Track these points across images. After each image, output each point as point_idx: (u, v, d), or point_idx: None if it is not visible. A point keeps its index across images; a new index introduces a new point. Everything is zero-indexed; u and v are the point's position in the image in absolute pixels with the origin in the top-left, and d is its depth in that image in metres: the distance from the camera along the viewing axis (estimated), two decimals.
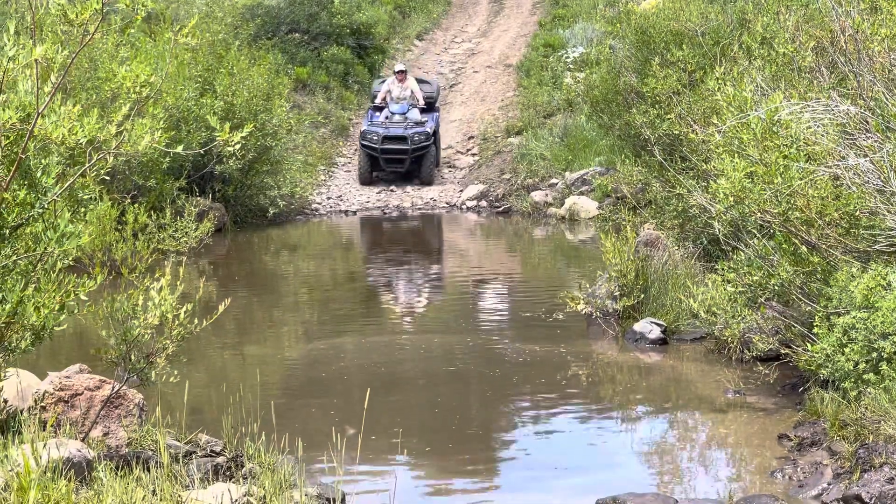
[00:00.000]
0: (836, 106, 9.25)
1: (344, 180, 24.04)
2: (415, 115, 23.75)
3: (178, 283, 7.09)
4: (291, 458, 7.02)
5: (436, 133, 24.16)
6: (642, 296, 12.30)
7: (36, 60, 5.90)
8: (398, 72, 24.45)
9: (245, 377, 10.68)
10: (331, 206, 22.39)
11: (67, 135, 6.22)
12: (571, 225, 20.64)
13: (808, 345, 8.81)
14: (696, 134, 12.50)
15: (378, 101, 24.33)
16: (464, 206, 22.51)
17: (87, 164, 6.48)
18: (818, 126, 9.15)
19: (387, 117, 23.89)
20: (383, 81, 24.87)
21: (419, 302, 15.59)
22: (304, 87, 26.56)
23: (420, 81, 24.92)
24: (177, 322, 6.96)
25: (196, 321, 7.09)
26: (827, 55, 10.64)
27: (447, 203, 22.81)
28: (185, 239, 16.34)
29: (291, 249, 19.52)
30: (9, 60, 5.76)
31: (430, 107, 24.43)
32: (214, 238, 17.80)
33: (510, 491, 8.16)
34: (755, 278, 9.59)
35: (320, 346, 12.56)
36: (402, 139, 23.37)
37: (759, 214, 9.19)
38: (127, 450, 7.27)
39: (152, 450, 7.38)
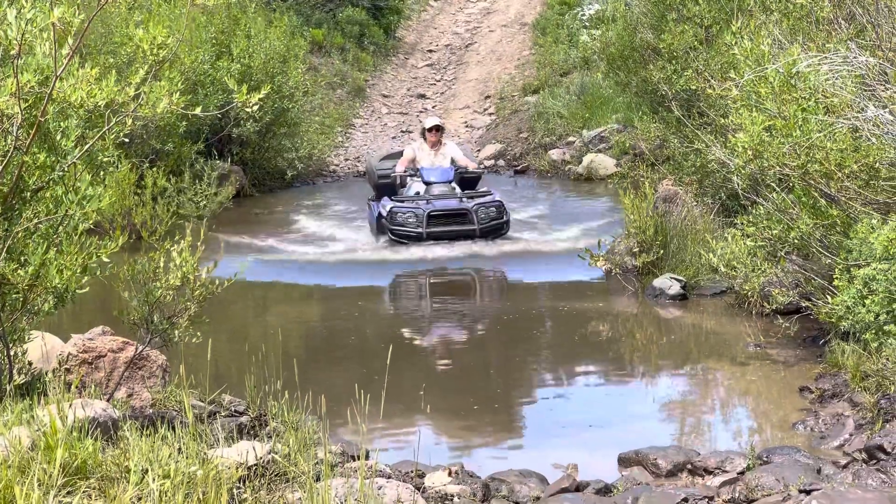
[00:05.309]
0: (855, 57, 9.19)
1: (361, 141, 23.99)
2: (456, 188, 15.78)
3: (200, 244, 7.10)
4: (315, 416, 7.05)
5: (505, 210, 15.53)
6: (662, 252, 12.31)
7: (53, 23, 5.90)
8: (431, 129, 15.92)
9: (266, 338, 10.73)
10: (348, 168, 22.40)
11: (86, 98, 6.23)
12: (590, 182, 20.61)
13: (829, 297, 8.80)
14: (714, 89, 12.45)
15: (399, 171, 15.83)
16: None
17: (105, 127, 6.49)
18: (837, 78, 9.10)
19: (417, 192, 15.63)
20: (389, 156, 17.40)
21: (439, 263, 15.56)
22: (320, 48, 26.56)
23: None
24: (198, 283, 6.98)
25: (217, 282, 7.11)
26: (845, 6, 10.57)
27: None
28: (207, 204, 16.38)
29: (312, 211, 19.51)
30: (27, 23, 5.76)
31: (471, 184, 16.41)
32: (234, 201, 17.83)
33: (533, 447, 8.19)
34: (775, 232, 9.57)
35: (341, 308, 12.59)
36: (461, 216, 15.04)
37: (777, 168, 9.15)
38: (151, 410, 7.32)
39: (176, 410, 7.42)
